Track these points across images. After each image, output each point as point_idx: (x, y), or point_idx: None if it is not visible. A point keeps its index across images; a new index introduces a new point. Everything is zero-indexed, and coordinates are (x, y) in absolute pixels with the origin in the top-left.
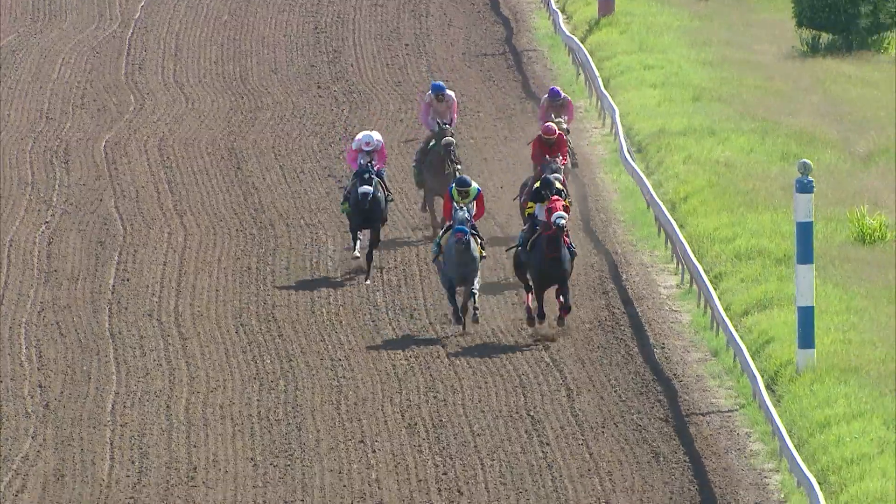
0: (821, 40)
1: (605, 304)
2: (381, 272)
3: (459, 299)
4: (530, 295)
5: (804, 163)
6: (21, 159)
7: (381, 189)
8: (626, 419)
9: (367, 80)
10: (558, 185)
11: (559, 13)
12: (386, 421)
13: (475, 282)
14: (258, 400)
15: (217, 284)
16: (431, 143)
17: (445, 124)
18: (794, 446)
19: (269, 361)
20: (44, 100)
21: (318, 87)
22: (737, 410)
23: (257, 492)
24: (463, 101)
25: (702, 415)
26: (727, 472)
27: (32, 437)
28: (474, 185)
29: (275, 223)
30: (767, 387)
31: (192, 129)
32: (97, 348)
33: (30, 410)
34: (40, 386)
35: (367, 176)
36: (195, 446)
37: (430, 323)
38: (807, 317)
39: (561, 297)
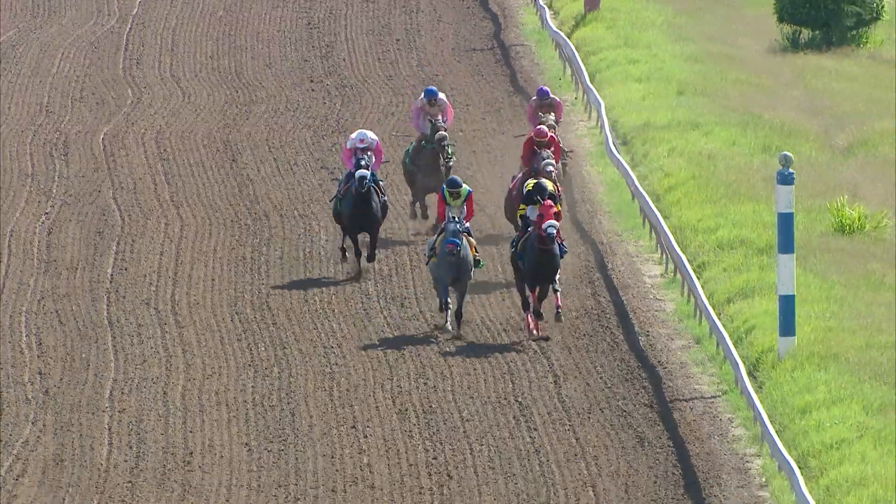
0: (801, 35)
1: (591, 293)
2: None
3: (453, 302)
4: (524, 291)
5: (785, 155)
6: (21, 151)
7: (375, 191)
8: (611, 405)
9: (358, 74)
10: (550, 187)
11: (546, 9)
12: (377, 407)
13: (466, 284)
14: (253, 386)
15: (213, 274)
16: (424, 143)
17: (439, 121)
18: (776, 431)
19: (263, 349)
20: (43, 93)
21: (311, 81)
22: (719, 396)
23: (252, 476)
24: (452, 95)
25: (685, 401)
26: (710, 456)
27: (32, 423)
28: (465, 187)
29: (269, 214)
30: (749, 373)
31: (189, 123)
32: (96, 336)
33: (30, 397)
34: (40, 373)
35: (363, 163)
36: (191, 432)
37: (421, 311)
38: (788, 305)
39: (558, 301)
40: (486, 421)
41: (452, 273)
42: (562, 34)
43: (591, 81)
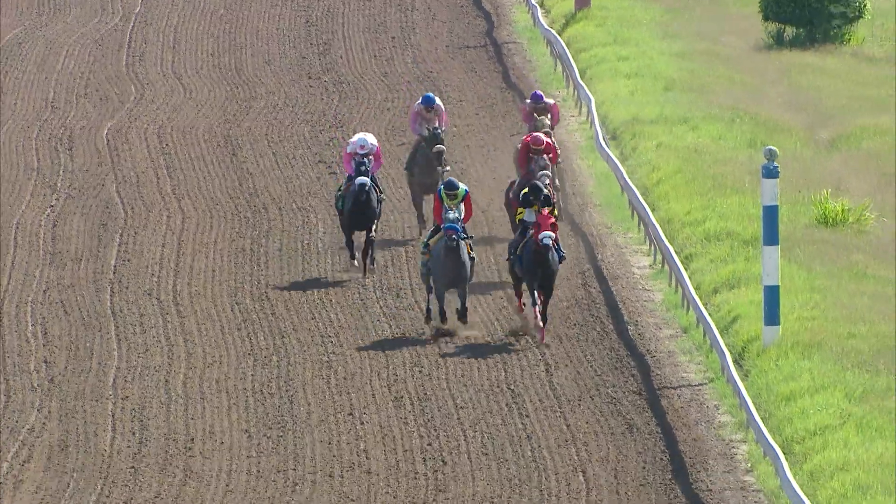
0: (786, 33)
1: (581, 284)
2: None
3: (449, 302)
4: (521, 295)
5: (770, 149)
6: (27, 146)
7: (374, 190)
8: (601, 393)
9: (355, 70)
10: (545, 190)
11: (538, 7)
12: (373, 394)
13: (465, 283)
14: (252, 374)
15: (213, 265)
16: (421, 145)
17: (436, 129)
18: (761, 418)
19: (262, 338)
20: (49, 90)
21: (309, 77)
22: (706, 384)
23: (251, 461)
24: (446, 91)
25: (673, 388)
26: (697, 442)
27: (38, 410)
28: (462, 187)
29: (268, 207)
30: (735, 362)
31: (190, 118)
32: (99, 326)
33: (35, 384)
34: (45, 361)
35: (363, 168)
36: (192, 418)
37: (416, 301)
38: (772, 295)
39: (542, 301)
40: (479, 408)
41: (449, 271)
42: (553, 32)
43: (582, 78)
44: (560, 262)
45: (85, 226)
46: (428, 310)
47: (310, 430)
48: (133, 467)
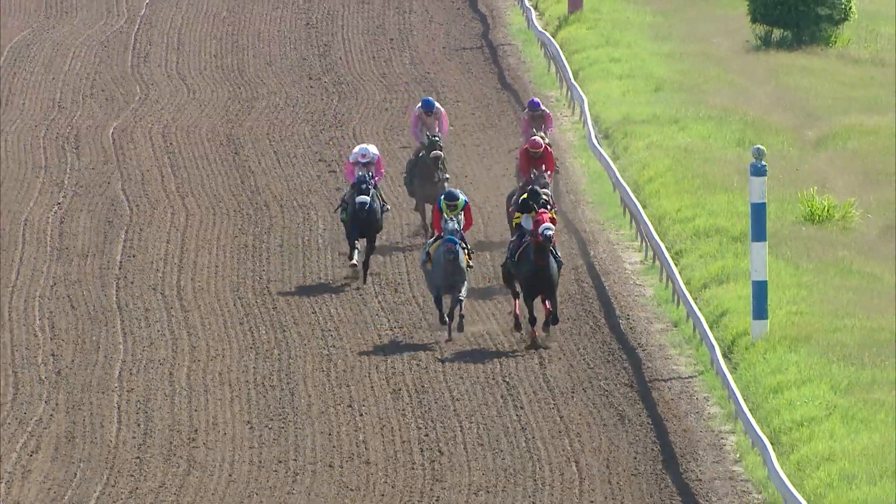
0: (773, 35)
1: (574, 279)
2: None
3: (446, 306)
4: (518, 301)
5: (758, 148)
6: (35, 145)
7: (377, 200)
8: (593, 385)
9: (354, 71)
10: (545, 196)
11: (532, 10)
12: (372, 387)
13: (462, 290)
14: (254, 367)
15: (216, 261)
16: (421, 154)
17: (435, 136)
18: (749, 410)
19: (264, 332)
20: (56, 90)
21: (310, 78)
22: (696, 377)
23: (253, 452)
24: (443, 92)
25: (664, 381)
26: (687, 433)
27: (46, 402)
28: (462, 197)
29: (269, 204)
30: (724, 355)
31: (194, 118)
32: (105, 320)
33: (43, 377)
34: (53, 354)
35: (364, 186)
36: (196, 410)
37: (413, 296)
38: (760, 290)
39: (549, 306)
40: (475, 400)
41: (447, 277)
42: (547, 34)
43: (575, 78)
44: (559, 268)
45: (91, 223)
46: (441, 315)
47: (310, 421)
48: (138, 457)
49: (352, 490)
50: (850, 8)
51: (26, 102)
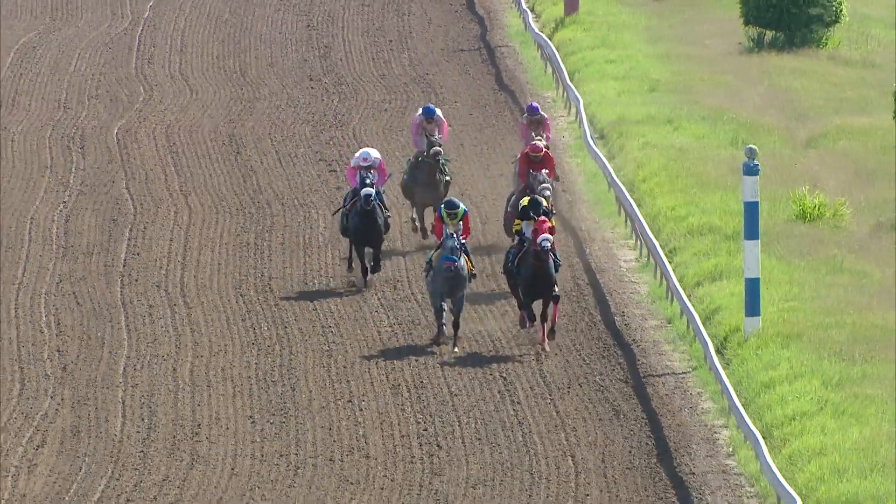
0: (766, 37)
1: (570, 277)
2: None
3: (447, 318)
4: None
5: (751, 148)
6: (41, 145)
7: (379, 208)
8: (589, 380)
9: (354, 72)
10: (545, 203)
11: (529, 12)
12: (372, 382)
13: (462, 298)
14: (256, 363)
15: (219, 258)
16: (420, 158)
17: (434, 137)
18: (742, 405)
19: (265, 328)
20: (62, 91)
21: (311, 79)
22: (689, 372)
23: (255, 446)
24: (441, 93)
25: (658, 376)
26: (681, 427)
27: (51, 397)
28: (462, 206)
29: (271, 203)
30: (717, 351)
31: (196, 118)
32: (110, 316)
33: (49, 372)
34: (58, 350)
35: (368, 181)
36: (199, 405)
37: (412, 293)
38: (753, 287)
39: (547, 313)
40: (472, 395)
41: (447, 288)
42: (543, 36)
43: (571, 80)
44: (556, 270)
45: (96, 221)
46: (440, 330)
47: (311, 416)
48: (142, 452)
49: (352, 483)
50: (841, 10)
51: (32, 103)
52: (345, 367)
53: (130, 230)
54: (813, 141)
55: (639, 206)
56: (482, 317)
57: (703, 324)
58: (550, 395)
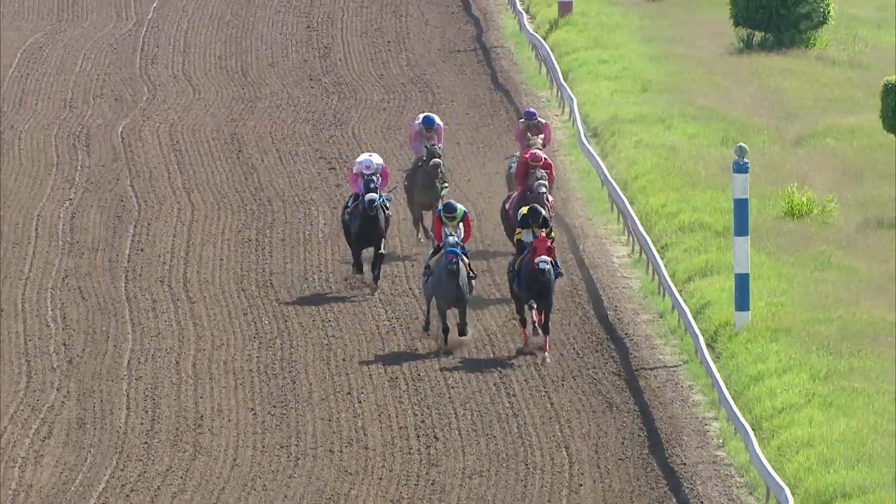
0: (755, 38)
1: (564, 272)
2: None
3: (450, 321)
4: (526, 309)
5: (740, 146)
6: (47, 143)
7: (381, 209)
8: (583, 373)
9: (353, 72)
10: (544, 212)
11: (524, 14)
12: (370, 375)
13: (465, 302)
14: (257, 356)
15: (221, 254)
16: (420, 164)
17: (434, 146)
18: (732, 397)
19: (266, 322)
20: (67, 90)
21: (311, 79)
22: (681, 366)
23: (256, 437)
24: (438, 93)
25: (650, 369)
26: (672, 419)
27: (57, 390)
28: (460, 209)
29: (272, 200)
30: (708, 345)
31: (199, 117)
32: (115, 311)
33: (55, 366)
34: (64, 344)
35: (372, 185)
36: (202, 397)
37: (410, 288)
38: (743, 283)
39: (541, 317)
40: (469, 387)
41: (448, 292)
42: (538, 37)
43: (565, 79)
44: (556, 279)
45: (101, 218)
46: (427, 322)
47: (311, 408)
48: (146, 443)
49: (351, 474)
50: (829, 11)
51: (39, 102)
52: (344, 360)
53: (135, 227)
54: (801, 140)
55: (631, 203)
56: (478, 312)
57: (694, 318)
58: (545, 387)
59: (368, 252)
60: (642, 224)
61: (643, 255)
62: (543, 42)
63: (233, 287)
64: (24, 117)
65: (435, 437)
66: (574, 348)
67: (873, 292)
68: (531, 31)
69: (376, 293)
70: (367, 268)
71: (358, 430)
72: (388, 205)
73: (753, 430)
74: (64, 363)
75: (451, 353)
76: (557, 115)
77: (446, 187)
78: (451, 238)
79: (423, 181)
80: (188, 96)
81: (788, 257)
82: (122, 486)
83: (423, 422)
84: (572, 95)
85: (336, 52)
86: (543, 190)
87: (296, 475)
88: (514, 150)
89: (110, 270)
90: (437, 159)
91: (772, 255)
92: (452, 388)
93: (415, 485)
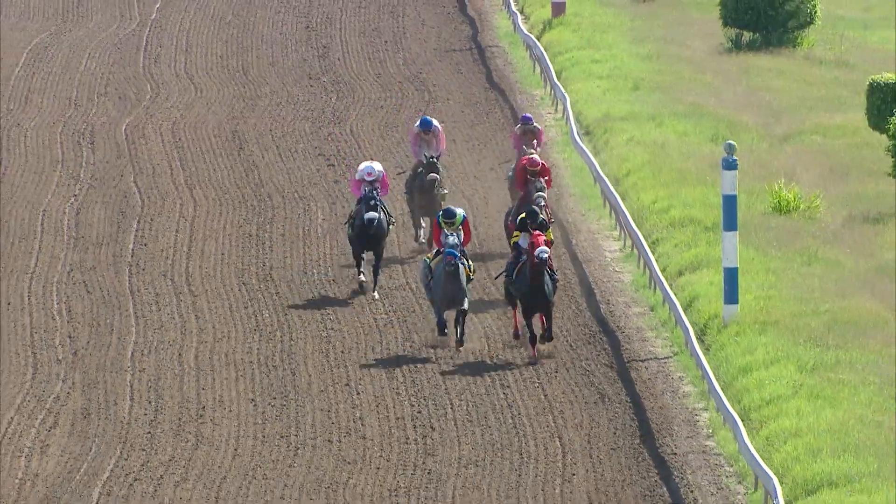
0: (743, 38)
1: (558, 267)
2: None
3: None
4: (517, 314)
5: (729, 143)
6: (52, 141)
7: (383, 213)
8: (576, 365)
9: (351, 71)
10: (542, 215)
11: (518, 14)
12: (368, 367)
13: (464, 302)
14: (258, 349)
15: (222, 249)
16: (419, 171)
17: (432, 157)
18: (721, 388)
19: (267, 315)
20: (72, 89)
21: (310, 78)
22: (671, 357)
23: (257, 428)
24: (434, 91)
25: (641, 361)
26: (663, 410)
27: (63, 381)
28: (459, 214)
29: (272, 196)
30: (698, 337)
31: (201, 115)
32: (119, 304)
33: (60, 357)
34: (69, 336)
35: (372, 202)
36: (203, 389)
37: (407, 282)
38: (731, 276)
39: (544, 323)
40: (464, 379)
41: (448, 292)
42: (532, 37)
43: (558, 78)
44: (554, 285)
45: (105, 213)
46: (441, 326)
47: (310, 399)
48: (149, 433)
49: (349, 463)
50: (815, 12)
51: (44, 101)
52: (342, 352)
53: (138, 222)
54: (789, 137)
55: (623, 199)
56: (473, 306)
57: (684, 311)
58: (538, 379)
59: (369, 254)
60: (634, 219)
61: (635, 250)
62: (537, 42)
63: (234, 281)
64: (30, 115)
65: (431, 428)
66: (567, 341)
67: (859, 286)
68: (525, 32)
69: (375, 293)
70: (368, 271)
71: (356, 420)
72: (389, 211)
73: (742, 420)
74: (69, 355)
75: (451, 349)
76: (551, 114)
77: (445, 193)
78: (450, 238)
79: (423, 186)
80: (190, 95)
81: (776, 252)
82: (126, 475)
83: (419, 412)
84: (565, 94)
85: (334, 52)
86: (543, 203)
87: (295, 464)
88: (508, 148)
89: (114, 265)
90: (436, 175)
91: (760, 249)
92: (448, 379)
93: (411, 474)
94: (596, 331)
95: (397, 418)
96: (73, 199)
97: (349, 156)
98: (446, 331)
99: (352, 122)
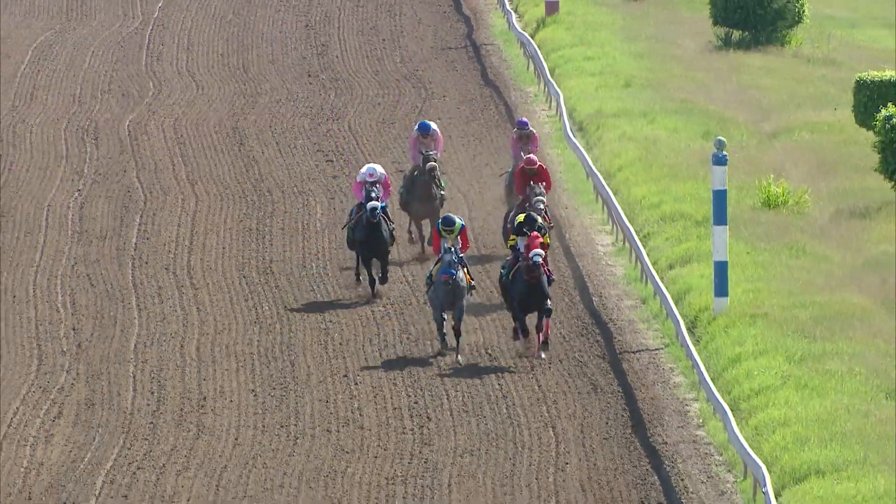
0: (733, 36)
1: (551, 260)
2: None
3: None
4: (514, 311)
5: (719, 140)
6: (57, 137)
7: (384, 220)
8: (569, 356)
9: (350, 69)
10: (539, 220)
11: (512, 13)
12: (366, 358)
13: (461, 313)
14: (258, 340)
15: (223, 242)
16: (417, 173)
17: (430, 152)
18: (711, 379)
19: (267, 308)
20: (76, 86)
21: (309, 75)
22: (662, 349)
23: (257, 418)
24: (430, 88)
25: (633, 353)
26: (654, 400)
27: (67, 372)
28: (458, 222)
29: (272, 191)
30: (688, 329)
31: (202, 112)
32: (122, 297)
33: (65, 349)
34: (73, 329)
35: (374, 195)
36: (205, 380)
37: (404, 276)
38: (721, 270)
39: (541, 334)
40: (460, 370)
41: (449, 298)
42: (526, 35)
43: (552, 75)
44: (549, 284)
45: (109, 208)
46: (442, 335)
47: (309, 389)
48: (152, 423)
49: (347, 453)
50: (803, 11)
51: (49, 98)
52: (341, 344)
53: (141, 216)
54: (777, 134)
55: (615, 193)
56: (479, 318)
57: (675, 304)
58: (532, 370)
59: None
60: (626, 214)
61: (626, 244)
62: (531, 40)
63: (235, 274)
64: (35, 112)
65: (428, 418)
66: (560, 333)
67: (846, 279)
68: (519, 30)
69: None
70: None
71: (354, 410)
72: (390, 218)
73: (732, 410)
74: (73, 347)
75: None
76: (545, 110)
77: (443, 194)
78: (447, 256)
79: (420, 193)
80: (192, 92)
81: (765, 246)
82: (129, 464)
83: (416, 403)
84: (559, 91)
85: (333, 50)
86: (542, 207)
87: (295, 454)
88: (502, 144)
89: (118, 258)
90: (433, 163)
91: (749, 243)
92: (444, 371)
93: (408, 463)
94: (589, 323)
95: (394, 408)
96: (77, 194)
97: (347, 152)
98: (445, 338)
99: (350, 118)
